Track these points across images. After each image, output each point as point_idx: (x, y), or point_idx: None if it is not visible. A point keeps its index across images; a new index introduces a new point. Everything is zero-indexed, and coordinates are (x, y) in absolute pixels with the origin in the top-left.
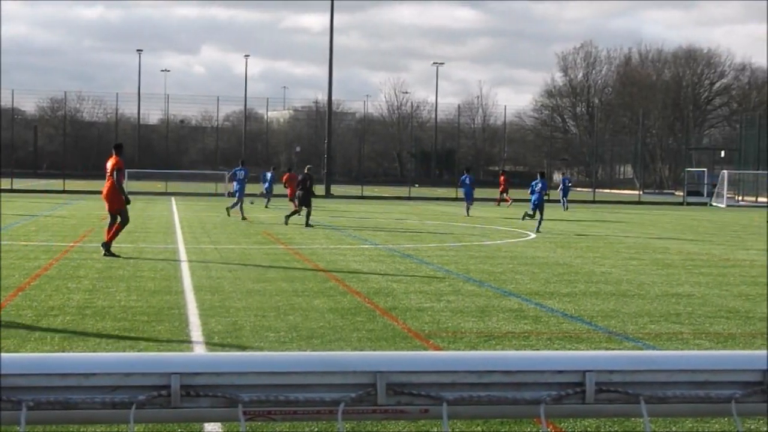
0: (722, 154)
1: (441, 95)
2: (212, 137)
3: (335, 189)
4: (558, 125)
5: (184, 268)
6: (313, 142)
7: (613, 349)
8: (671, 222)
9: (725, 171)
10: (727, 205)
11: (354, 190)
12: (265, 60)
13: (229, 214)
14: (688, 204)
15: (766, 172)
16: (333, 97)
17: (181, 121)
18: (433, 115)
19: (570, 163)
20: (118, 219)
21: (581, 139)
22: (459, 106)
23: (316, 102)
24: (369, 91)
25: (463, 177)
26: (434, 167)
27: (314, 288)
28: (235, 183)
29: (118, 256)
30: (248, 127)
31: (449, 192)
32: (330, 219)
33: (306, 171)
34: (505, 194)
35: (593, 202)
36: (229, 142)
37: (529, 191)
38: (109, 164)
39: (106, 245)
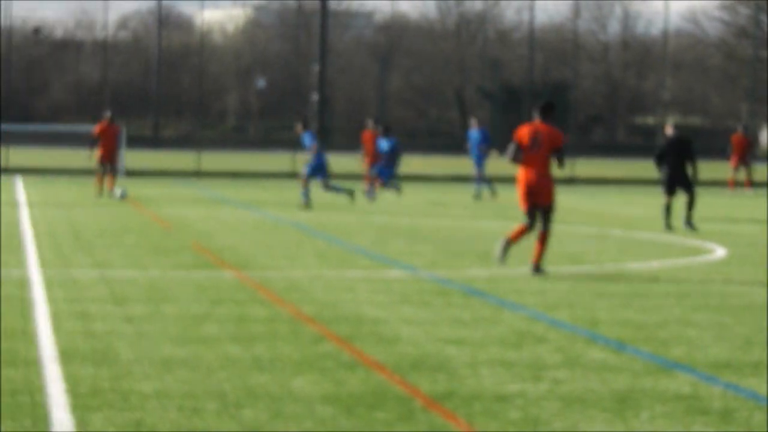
0: None
1: None
2: (94, 60)
3: (338, 161)
4: None
5: (42, 315)
6: (293, 69)
7: None
8: None
9: None
10: None
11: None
12: None
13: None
14: None
15: None
16: None
17: (36, 31)
18: (526, 18)
19: None
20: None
21: None
22: (576, 3)
23: None
24: None
25: (473, 132)
26: (529, 118)
27: (294, 355)
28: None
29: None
30: (166, 39)
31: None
32: (311, 218)
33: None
34: (740, 168)
35: None
36: (128, 69)
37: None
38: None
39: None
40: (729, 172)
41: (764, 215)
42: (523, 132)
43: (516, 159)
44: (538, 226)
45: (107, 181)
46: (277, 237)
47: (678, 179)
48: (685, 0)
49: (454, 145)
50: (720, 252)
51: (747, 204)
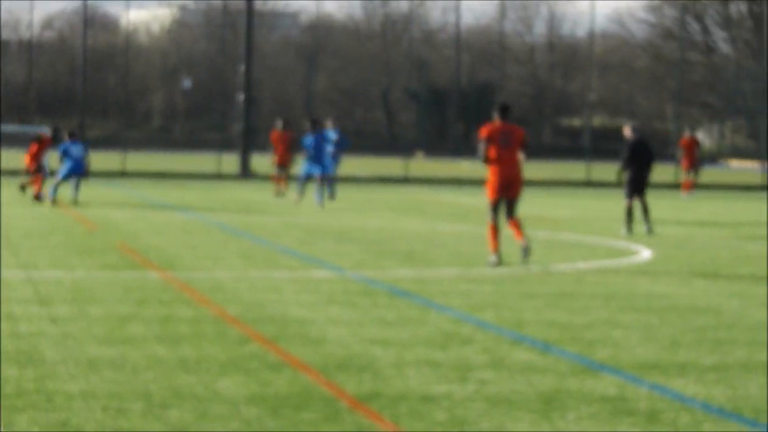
0: None
1: None
2: (19, 60)
3: (260, 162)
4: (695, 39)
5: None
6: (219, 70)
7: None
8: None
9: None
10: None
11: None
12: None
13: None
14: None
15: None
16: None
17: None
18: (452, 19)
19: (723, 112)
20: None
21: (739, 65)
22: (502, 3)
23: None
24: None
25: (328, 132)
26: (455, 119)
27: (219, 356)
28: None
29: None
30: (92, 39)
31: (472, 166)
32: (236, 218)
33: None
34: (691, 172)
35: None
36: (53, 69)
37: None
38: None
39: None
40: (681, 176)
41: (690, 217)
42: (490, 131)
43: (487, 159)
44: (503, 217)
45: (36, 183)
46: (203, 238)
47: (643, 182)
48: (611, 0)
49: (381, 145)
50: (646, 254)
51: (675, 206)
